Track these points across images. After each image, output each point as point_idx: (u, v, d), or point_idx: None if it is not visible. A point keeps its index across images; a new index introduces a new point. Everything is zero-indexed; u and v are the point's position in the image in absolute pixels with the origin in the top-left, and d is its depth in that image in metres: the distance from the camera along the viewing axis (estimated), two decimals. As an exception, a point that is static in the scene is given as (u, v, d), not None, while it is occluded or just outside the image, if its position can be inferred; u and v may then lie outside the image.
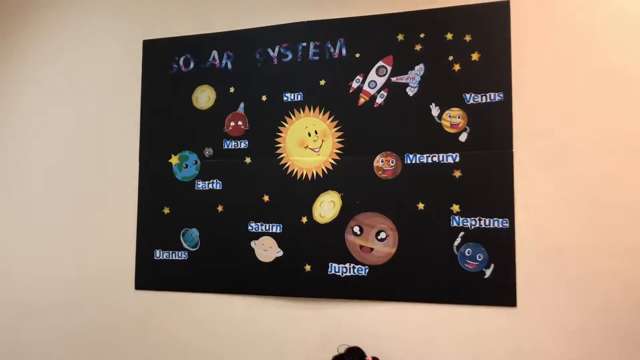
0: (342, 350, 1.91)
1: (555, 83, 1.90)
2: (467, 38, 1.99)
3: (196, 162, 2.27)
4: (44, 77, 2.56)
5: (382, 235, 2.03)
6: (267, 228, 2.16)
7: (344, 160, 2.09)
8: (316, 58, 2.16)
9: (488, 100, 1.95)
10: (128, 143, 2.37)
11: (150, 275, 2.30)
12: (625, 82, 1.83)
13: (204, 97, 2.29)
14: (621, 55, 1.84)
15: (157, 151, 2.33)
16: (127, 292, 2.33)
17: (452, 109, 1.99)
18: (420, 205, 1.99)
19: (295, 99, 2.16)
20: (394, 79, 2.06)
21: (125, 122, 2.39)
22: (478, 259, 1.92)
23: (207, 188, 2.25)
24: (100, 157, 2.43)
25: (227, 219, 2.21)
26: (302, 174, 2.14)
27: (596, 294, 1.81)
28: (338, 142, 2.11)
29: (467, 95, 1.98)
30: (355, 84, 2.10)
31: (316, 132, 2.14)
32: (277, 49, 2.20)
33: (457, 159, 1.97)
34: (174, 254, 2.27)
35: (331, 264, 2.07)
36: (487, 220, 1.92)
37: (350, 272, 2.05)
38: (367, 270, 2.03)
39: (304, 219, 2.11)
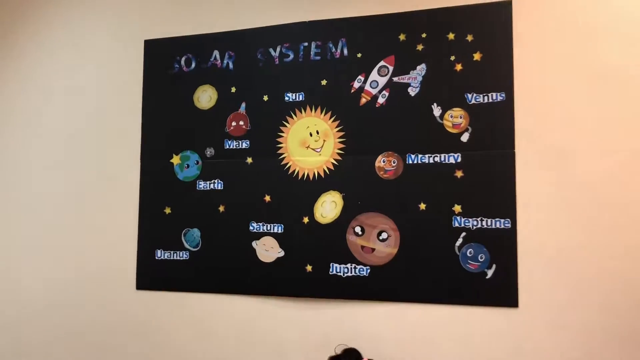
0: (339, 350, 1.91)
1: (557, 83, 1.90)
2: (469, 38, 1.99)
3: (197, 162, 2.27)
4: (44, 77, 2.56)
5: (384, 235, 2.03)
6: (268, 228, 2.15)
7: (346, 161, 2.09)
8: (318, 58, 2.15)
9: (490, 100, 1.95)
10: (129, 143, 2.37)
11: (151, 276, 2.30)
12: (627, 82, 1.83)
13: (205, 97, 2.29)
14: (623, 55, 1.84)
15: (159, 151, 2.33)
16: (128, 292, 2.32)
17: (454, 109, 1.99)
18: (422, 206, 1.99)
19: (297, 99, 2.16)
20: (395, 79, 2.06)
21: (126, 122, 2.39)
22: (480, 259, 1.92)
23: (208, 188, 2.24)
24: (101, 157, 2.42)
25: (228, 219, 2.21)
26: (304, 174, 2.13)
27: (598, 294, 1.81)
28: (339, 142, 2.11)
29: (469, 95, 1.98)
30: (356, 84, 2.10)
31: (318, 132, 2.13)
32: (278, 49, 2.20)
33: (459, 159, 1.97)
34: (175, 254, 2.27)
35: (332, 264, 2.06)
36: (489, 220, 1.92)
37: (351, 273, 2.05)
38: (368, 270, 2.03)
39: (306, 219, 2.11)
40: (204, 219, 2.24)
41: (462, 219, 1.95)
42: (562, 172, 1.87)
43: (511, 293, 1.88)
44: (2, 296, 2.52)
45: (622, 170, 1.82)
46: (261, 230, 2.16)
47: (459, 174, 1.97)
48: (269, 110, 2.20)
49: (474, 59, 1.98)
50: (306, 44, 2.17)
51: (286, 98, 2.18)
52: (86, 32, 2.51)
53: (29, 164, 2.54)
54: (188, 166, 2.28)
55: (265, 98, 2.20)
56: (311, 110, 2.15)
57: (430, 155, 2.00)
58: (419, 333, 1.97)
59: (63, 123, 2.50)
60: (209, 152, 2.26)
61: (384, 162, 2.05)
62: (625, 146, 1.82)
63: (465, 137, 1.97)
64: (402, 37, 2.06)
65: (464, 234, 1.94)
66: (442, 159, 1.99)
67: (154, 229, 2.31)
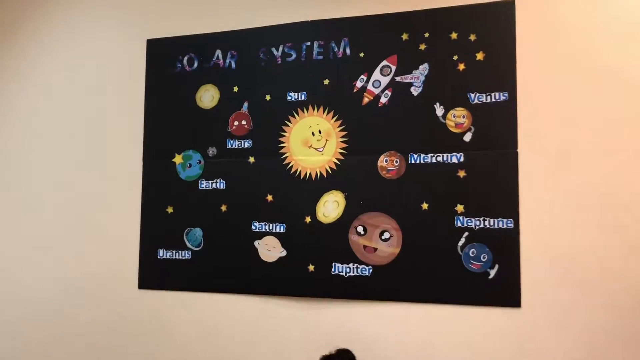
0: (334, 351, 1.90)
1: (560, 83, 1.89)
2: (472, 37, 1.98)
3: (200, 162, 2.27)
4: (45, 76, 2.56)
5: (386, 235, 2.02)
6: (270, 228, 2.15)
7: (348, 160, 2.09)
8: (320, 57, 2.15)
9: (493, 100, 1.95)
10: (131, 142, 2.37)
11: (154, 275, 2.30)
12: (630, 82, 1.82)
13: (207, 96, 2.29)
14: (626, 55, 1.83)
15: (161, 151, 2.33)
16: (130, 292, 2.33)
17: (457, 108, 1.98)
18: (425, 205, 1.99)
19: (299, 99, 2.16)
20: (398, 79, 2.05)
21: (128, 121, 2.39)
22: (482, 259, 1.92)
23: (210, 187, 2.24)
24: (103, 156, 2.43)
25: (230, 218, 2.21)
26: (306, 174, 2.13)
27: (601, 294, 1.81)
28: (342, 141, 2.10)
29: (472, 95, 1.97)
30: (359, 84, 2.09)
31: (320, 132, 2.13)
32: (280, 49, 2.20)
33: (462, 159, 1.96)
34: (177, 254, 2.27)
35: (335, 264, 2.06)
36: (492, 220, 1.92)
37: (353, 272, 2.04)
38: (370, 270, 2.03)
39: (308, 219, 2.10)
40: (206, 218, 2.24)
41: (465, 219, 1.94)
42: (565, 171, 1.86)
43: (514, 293, 1.87)
44: (4, 296, 2.53)
45: (625, 170, 1.81)
46: (263, 230, 2.16)
47: (461, 173, 1.96)
48: (271, 110, 2.19)
49: (477, 58, 1.97)
50: (309, 43, 2.16)
51: (288, 97, 2.17)
52: (88, 31, 2.51)
53: (32, 164, 2.54)
54: (190, 165, 2.28)
55: (268, 97, 2.20)
56: (313, 109, 2.15)
57: (432, 155, 2.00)
58: (421, 333, 1.97)
59: (65, 122, 2.50)
60: (211, 151, 2.26)
61: (386, 161, 2.05)
62: (628, 146, 1.81)
63: (467, 137, 1.97)
64: (404, 36, 2.06)
65: (466, 233, 1.94)
66: (445, 159, 1.98)
67: (156, 229, 2.31)
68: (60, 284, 2.44)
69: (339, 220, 2.07)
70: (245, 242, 2.18)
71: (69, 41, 2.54)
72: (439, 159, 1.99)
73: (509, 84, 1.93)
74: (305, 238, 2.10)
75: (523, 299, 1.87)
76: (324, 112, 2.13)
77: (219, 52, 2.28)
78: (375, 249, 2.03)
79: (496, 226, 1.91)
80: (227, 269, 2.20)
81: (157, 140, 2.34)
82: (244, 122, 2.23)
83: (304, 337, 2.09)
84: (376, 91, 2.07)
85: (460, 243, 1.94)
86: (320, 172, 2.11)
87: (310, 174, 2.13)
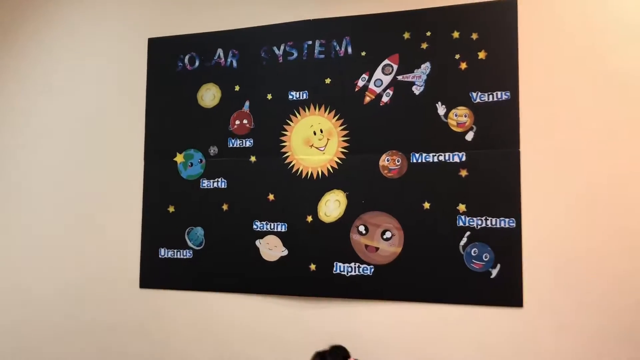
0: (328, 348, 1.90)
1: (563, 82, 1.89)
2: (474, 36, 1.98)
3: (201, 161, 2.27)
4: (45, 75, 2.55)
5: (388, 234, 2.02)
6: (272, 227, 2.15)
7: (350, 159, 2.08)
8: (322, 56, 2.15)
9: (495, 99, 1.94)
10: (133, 141, 2.37)
11: (155, 274, 2.30)
12: (632, 83, 1.82)
13: (209, 95, 2.28)
14: (628, 54, 1.83)
15: (162, 150, 2.33)
16: (131, 291, 2.32)
17: (459, 107, 1.98)
18: (426, 205, 1.98)
19: (301, 98, 2.16)
20: (400, 78, 2.05)
21: (130, 120, 2.38)
22: (484, 258, 1.91)
23: (212, 187, 2.24)
24: (104, 155, 2.42)
25: (232, 217, 2.20)
26: (308, 173, 2.13)
27: (602, 295, 1.80)
28: (343, 140, 2.10)
29: (474, 94, 1.97)
30: (361, 83, 2.09)
31: (321, 131, 2.13)
32: (282, 47, 2.20)
33: (464, 158, 1.96)
34: (178, 253, 2.26)
35: (336, 264, 2.06)
36: (494, 220, 1.91)
37: (355, 272, 2.04)
38: (372, 269, 2.03)
39: (309, 218, 2.10)
40: (208, 217, 2.24)
41: (467, 218, 1.94)
42: (567, 171, 1.86)
43: (516, 293, 1.87)
44: (5, 296, 2.52)
45: (628, 169, 1.81)
46: (265, 229, 2.16)
47: (463, 173, 1.96)
48: (272, 109, 2.19)
49: (479, 57, 1.97)
50: (310, 42, 2.16)
51: (290, 96, 2.17)
52: (88, 31, 2.51)
53: (30, 164, 2.53)
54: (192, 165, 2.28)
55: (269, 96, 2.20)
56: (315, 108, 2.14)
57: (434, 154, 1.99)
58: (422, 333, 1.97)
59: (65, 122, 2.50)
60: (213, 150, 2.26)
61: (388, 161, 2.04)
62: (630, 146, 1.81)
63: (469, 136, 1.96)
64: (406, 35, 2.05)
65: (468, 233, 1.94)
66: (447, 158, 1.98)
67: (157, 228, 2.30)
68: (61, 283, 2.43)
69: (341, 220, 2.07)
70: (247, 242, 2.17)
71: (69, 41, 2.53)
72: (441, 158, 1.99)
73: (511, 83, 1.92)
74: (306, 237, 2.10)
75: (525, 298, 1.87)
76: (325, 111, 2.13)
77: (220, 51, 2.28)
78: (377, 249, 2.03)
79: (498, 226, 1.91)
80: (228, 268, 2.20)
81: (158, 140, 2.34)
82: (245, 121, 2.22)
83: (305, 337, 2.09)
84: (378, 90, 2.07)
85: (462, 242, 1.94)
86: (322, 172, 2.11)
87: (311, 173, 2.12)
